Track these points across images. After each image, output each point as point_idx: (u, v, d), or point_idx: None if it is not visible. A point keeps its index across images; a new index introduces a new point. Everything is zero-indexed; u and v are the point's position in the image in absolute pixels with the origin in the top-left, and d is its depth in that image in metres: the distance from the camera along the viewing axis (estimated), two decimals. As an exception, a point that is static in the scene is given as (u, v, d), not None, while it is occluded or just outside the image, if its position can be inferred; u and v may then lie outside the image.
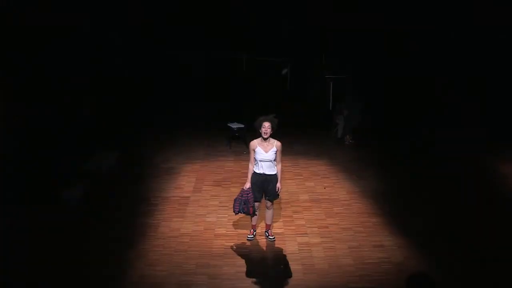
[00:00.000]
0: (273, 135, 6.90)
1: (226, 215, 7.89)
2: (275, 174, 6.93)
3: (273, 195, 7.00)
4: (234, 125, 11.58)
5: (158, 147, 11.48)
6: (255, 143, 6.88)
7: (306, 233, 7.42)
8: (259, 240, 7.22)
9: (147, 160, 10.68)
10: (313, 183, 9.39)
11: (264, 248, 7.07)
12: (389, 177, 9.70)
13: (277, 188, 6.94)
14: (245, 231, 7.43)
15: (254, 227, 7.25)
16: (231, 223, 7.71)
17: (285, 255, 6.85)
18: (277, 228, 7.56)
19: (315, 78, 15.50)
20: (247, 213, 6.96)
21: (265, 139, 6.81)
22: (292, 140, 12.02)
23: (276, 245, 7.11)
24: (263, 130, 6.77)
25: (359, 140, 11.90)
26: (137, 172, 10.02)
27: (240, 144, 11.30)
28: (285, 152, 11.02)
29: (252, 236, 7.21)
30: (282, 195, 8.72)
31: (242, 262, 6.71)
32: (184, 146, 11.57)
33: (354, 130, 11.92)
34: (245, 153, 7.00)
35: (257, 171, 6.90)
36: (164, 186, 9.21)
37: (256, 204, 7.01)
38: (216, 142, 11.84)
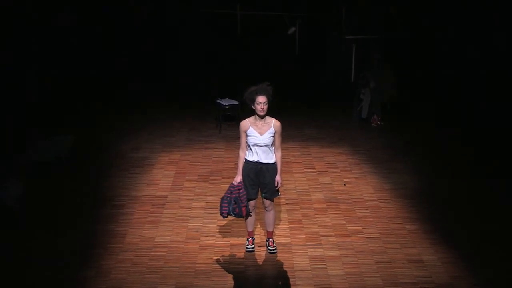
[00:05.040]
0: (270, 113, 6.84)
1: (215, 220, 7.85)
2: (274, 163, 6.90)
3: (271, 192, 6.97)
4: (225, 102, 11.54)
5: (126, 131, 11.44)
6: (247, 123, 6.85)
7: (320, 244, 7.39)
8: (258, 253, 7.19)
9: (110, 148, 10.64)
10: (329, 177, 9.36)
11: (265, 263, 7.03)
12: (429, 171, 9.68)
13: (276, 183, 6.91)
14: (239, 240, 7.39)
15: (251, 235, 7.22)
16: (222, 231, 7.67)
17: (293, 272, 6.80)
18: (282, 237, 7.51)
19: (332, 39, 15.44)
20: (238, 216, 6.92)
21: (260, 117, 6.76)
22: (302, 121, 11.99)
23: (280, 259, 7.07)
24: (258, 107, 6.72)
25: (390, 121, 11.85)
26: (97, 163, 9.97)
27: (232, 126, 11.26)
28: (293, 137, 11.18)
29: (252, 246, 7.19)
30: (290, 193, 8.72)
31: (235, 281, 6.66)
32: (159, 129, 11.53)
33: (383, 108, 11.88)
34: (240, 138, 7.12)
35: (250, 159, 6.88)
36: (133, 182, 9.18)
37: (252, 203, 6.97)
38: (202, 124, 11.80)
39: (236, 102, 11.41)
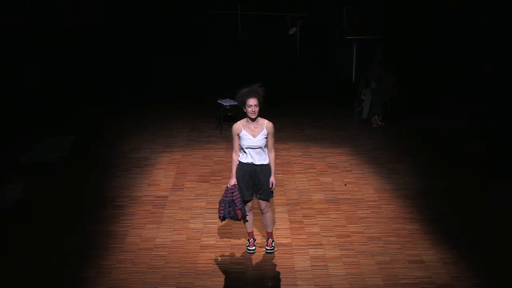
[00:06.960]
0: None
1: (216, 220, 7.83)
2: (267, 164, 6.91)
3: (265, 193, 6.97)
4: (226, 102, 11.53)
5: (126, 131, 11.44)
6: (239, 126, 6.86)
7: (321, 244, 7.40)
8: (259, 253, 7.20)
9: (111, 148, 10.64)
10: (330, 178, 9.36)
11: (266, 263, 7.04)
12: (430, 171, 9.67)
13: (270, 184, 6.92)
14: (240, 241, 7.40)
15: (251, 235, 7.23)
16: (222, 231, 7.68)
17: (293, 273, 6.81)
18: (283, 238, 7.52)
19: (334, 40, 15.44)
20: (234, 218, 6.93)
21: (252, 120, 6.78)
22: (302, 121, 11.99)
23: (281, 260, 7.08)
24: (249, 110, 6.74)
25: (391, 121, 11.84)
26: (97, 163, 9.98)
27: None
28: (293, 137, 11.16)
29: (253, 247, 7.20)
30: (291, 194, 8.72)
31: (236, 282, 6.68)
32: (160, 130, 11.53)
33: (384, 109, 11.87)
34: (233, 141, 7.17)
35: (244, 161, 6.89)
36: (134, 182, 9.18)
37: (248, 204, 6.99)
38: (203, 125, 11.80)
39: (236, 103, 11.40)
